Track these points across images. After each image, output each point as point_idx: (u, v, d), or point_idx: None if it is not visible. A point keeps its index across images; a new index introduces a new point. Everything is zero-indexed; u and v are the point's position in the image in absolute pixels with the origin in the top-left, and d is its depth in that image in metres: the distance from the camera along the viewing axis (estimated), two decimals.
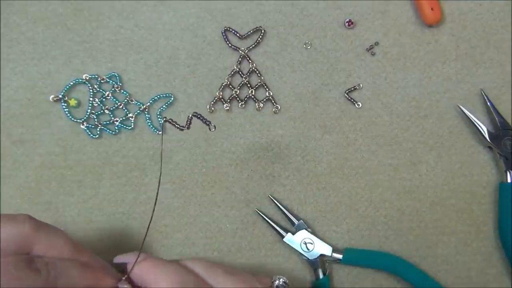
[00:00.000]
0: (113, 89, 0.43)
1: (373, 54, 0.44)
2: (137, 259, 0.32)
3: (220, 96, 0.44)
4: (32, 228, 0.29)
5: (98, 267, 0.31)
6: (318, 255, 0.41)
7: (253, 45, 0.44)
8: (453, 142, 0.44)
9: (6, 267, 0.25)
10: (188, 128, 0.33)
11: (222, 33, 0.44)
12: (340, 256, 0.41)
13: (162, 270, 0.31)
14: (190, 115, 0.33)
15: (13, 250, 0.27)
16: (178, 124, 0.33)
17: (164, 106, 0.43)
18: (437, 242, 0.43)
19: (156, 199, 0.34)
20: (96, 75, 0.43)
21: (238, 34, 0.44)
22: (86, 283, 0.29)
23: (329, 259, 0.42)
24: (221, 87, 0.44)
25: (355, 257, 0.42)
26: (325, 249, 0.41)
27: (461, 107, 0.43)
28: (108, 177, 0.43)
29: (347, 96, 0.44)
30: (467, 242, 0.43)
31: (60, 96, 0.43)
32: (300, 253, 0.41)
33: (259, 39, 0.44)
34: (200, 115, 0.33)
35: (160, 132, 0.43)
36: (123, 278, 0.31)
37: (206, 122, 0.32)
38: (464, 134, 0.44)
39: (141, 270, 0.31)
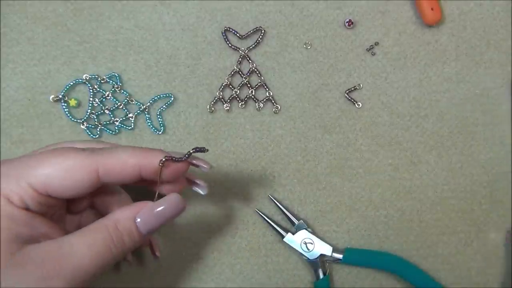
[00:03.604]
0: (113, 89, 0.43)
1: (373, 54, 0.44)
2: None
3: (220, 96, 0.44)
4: (96, 143, 0.34)
5: (147, 148, 0.33)
6: (318, 255, 0.41)
7: (253, 45, 0.44)
8: (453, 142, 0.44)
9: (58, 150, 0.30)
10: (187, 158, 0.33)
11: (222, 33, 0.44)
12: (340, 256, 0.41)
13: None
14: (191, 150, 0.32)
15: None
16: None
17: (164, 106, 0.43)
18: (437, 242, 0.43)
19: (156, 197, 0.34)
20: (96, 75, 0.43)
21: (238, 34, 0.44)
22: (133, 160, 0.31)
23: (329, 259, 0.42)
24: (221, 87, 0.44)
25: (355, 257, 0.42)
26: (325, 249, 0.41)
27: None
28: None
29: (347, 96, 0.44)
30: (467, 242, 0.43)
31: (60, 96, 0.43)
32: (300, 253, 0.41)
33: (259, 39, 0.44)
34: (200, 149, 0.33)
35: (160, 132, 0.43)
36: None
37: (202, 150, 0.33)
38: (464, 134, 0.44)
39: None
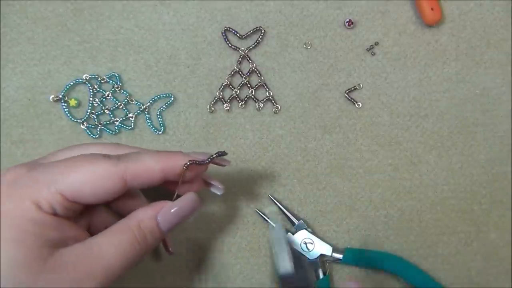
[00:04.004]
0: (113, 89, 0.43)
1: (373, 54, 0.44)
2: None
3: (220, 96, 0.44)
4: (115, 145, 0.35)
5: (169, 151, 0.34)
6: (318, 255, 0.41)
7: (253, 45, 0.44)
8: (453, 142, 0.44)
9: (87, 158, 0.31)
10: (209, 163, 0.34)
11: (222, 33, 0.44)
12: (340, 256, 0.41)
13: None
14: (214, 155, 0.34)
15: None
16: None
17: (164, 106, 0.43)
18: (437, 242, 0.43)
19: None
20: (96, 75, 0.43)
21: (238, 34, 0.44)
22: (159, 165, 0.32)
23: (329, 259, 0.42)
24: (221, 87, 0.44)
25: (355, 257, 0.42)
26: (325, 249, 0.41)
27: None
28: None
29: (347, 96, 0.44)
30: (467, 242, 0.43)
31: (60, 96, 0.43)
32: (300, 253, 0.41)
33: (259, 39, 0.44)
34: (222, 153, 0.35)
35: (160, 132, 0.43)
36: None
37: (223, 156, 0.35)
38: (464, 134, 0.44)
39: None
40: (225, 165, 0.36)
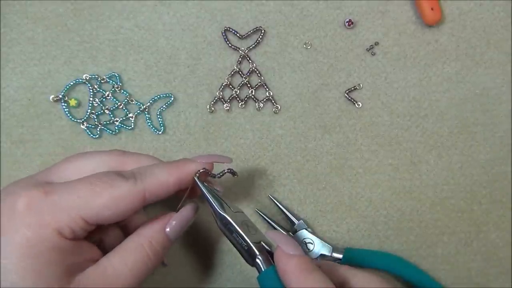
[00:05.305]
0: (113, 89, 0.43)
1: (373, 54, 0.44)
2: None
3: (220, 96, 0.44)
4: (119, 153, 0.35)
5: (180, 161, 0.35)
6: (318, 255, 0.41)
7: (253, 45, 0.44)
8: (453, 142, 0.44)
9: (106, 180, 0.31)
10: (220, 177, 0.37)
11: (222, 33, 0.44)
12: (340, 256, 0.41)
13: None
14: (226, 170, 0.36)
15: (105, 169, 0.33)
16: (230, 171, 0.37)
17: (164, 106, 0.43)
18: (437, 242, 0.43)
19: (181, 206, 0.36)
20: (96, 75, 0.43)
21: (238, 34, 0.44)
22: (173, 178, 0.33)
23: (329, 259, 0.42)
24: (221, 87, 0.44)
25: (355, 257, 0.42)
26: (325, 249, 0.41)
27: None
28: None
29: (347, 96, 0.44)
30: (467, 242, 0.43)
31: (60, 96, 0.43)
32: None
33: (259, 39, 0.44)
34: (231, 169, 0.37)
35: (160, 132, 0.43)
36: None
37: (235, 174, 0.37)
38: (464, 134, 0.44)
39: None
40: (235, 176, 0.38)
